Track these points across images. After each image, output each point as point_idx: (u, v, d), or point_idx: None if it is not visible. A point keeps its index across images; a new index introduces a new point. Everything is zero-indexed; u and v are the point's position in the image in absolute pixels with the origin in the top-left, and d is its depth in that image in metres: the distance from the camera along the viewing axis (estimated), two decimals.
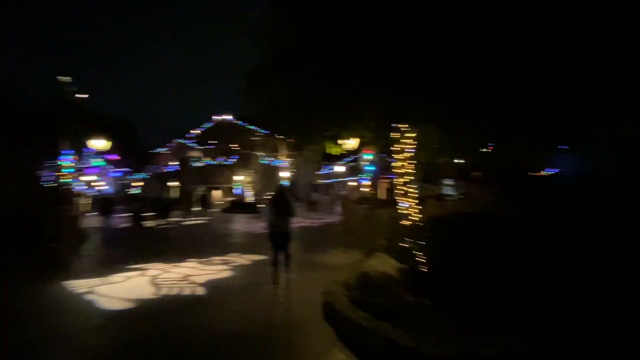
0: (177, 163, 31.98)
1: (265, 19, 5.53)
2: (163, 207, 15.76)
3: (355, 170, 23.05)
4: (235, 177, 28.79)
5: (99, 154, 21.55)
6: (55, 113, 12.89)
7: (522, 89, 4.40)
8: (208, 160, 30.96)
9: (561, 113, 4.78)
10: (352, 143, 9.75)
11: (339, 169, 25.31)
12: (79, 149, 18.97)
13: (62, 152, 13.33)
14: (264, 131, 24.49)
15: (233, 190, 29.03)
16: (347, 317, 3.84)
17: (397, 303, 4.12)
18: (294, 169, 28.59)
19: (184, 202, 21.31)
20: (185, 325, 4.28)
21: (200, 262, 7.98)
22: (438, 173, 12.57)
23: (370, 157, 13.52)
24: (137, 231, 14.22)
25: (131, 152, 32.31)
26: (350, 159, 21.45)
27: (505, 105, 4.87)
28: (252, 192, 28.06)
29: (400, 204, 5.74)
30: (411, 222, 5.52)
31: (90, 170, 24.53)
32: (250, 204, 25.94)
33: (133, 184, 34.35)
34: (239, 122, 28.17)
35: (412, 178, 5.63)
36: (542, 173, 8.70)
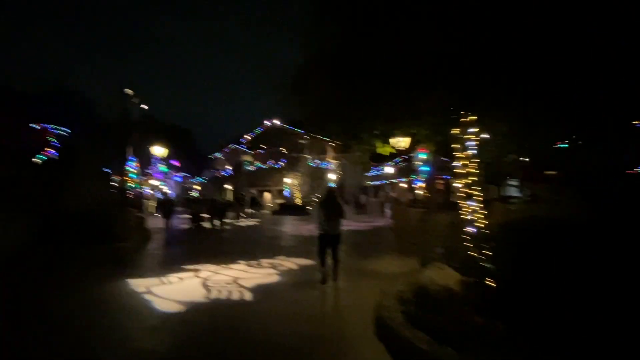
0: (231, 167, 33.28)
1: (307, 14, 5.24)
2: (219, 209, 16.27)
3: (405, 171, 22.00)
4: (284, 180, 29.23)
5: (163, 160, 23.25)
6: (124, 124, 14.04)
7: (620, 67, 3.57)
8: (259, 164, 31.78)
9: None
10: (403, 141, 9.13)
11: (389, 170, 24.38)
12: (146, 156, 20.60)
13: (129, 158, 14.45)
14: (310, 134, 24.54)
15: (282, 193, 29.48)
16: (403, 336, 3.39)
17: (462, 324, 3.54)
18: (341, 170, 28.28)
19: (237, 205, 22.03)
20: (227, 332, 4.16)
21: (249, 265, 8.00)
22: (503, 173, 11.31)
23: (425, 156, 12.58)
24: (194, 232, 14.81)
25: (190, 158, 34.48)
26: (400, 159, 20.46)
27: (594, 90, 4.06)
28: (301, 195, 28.23)
29: (462, 208, 5.08)
30: (476, 229, 4.83)
31: (156, 175, 26.75)
32: (299, 206, 26.13)
33: (193, 187, 36.63)
34: (287, 126, 28.58)
35: (477, 179, 4.94)
36: (636, 170, 7.34)
